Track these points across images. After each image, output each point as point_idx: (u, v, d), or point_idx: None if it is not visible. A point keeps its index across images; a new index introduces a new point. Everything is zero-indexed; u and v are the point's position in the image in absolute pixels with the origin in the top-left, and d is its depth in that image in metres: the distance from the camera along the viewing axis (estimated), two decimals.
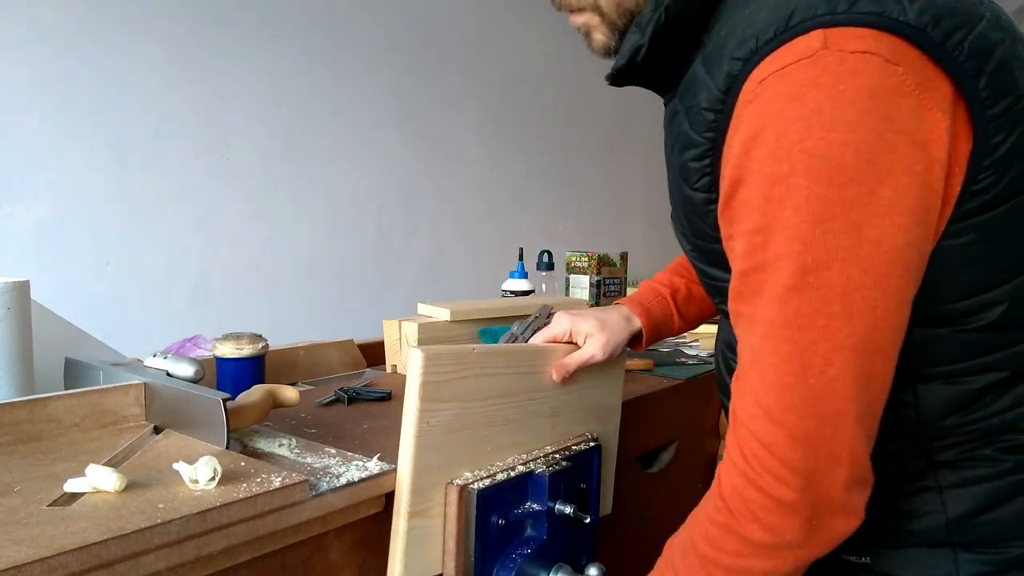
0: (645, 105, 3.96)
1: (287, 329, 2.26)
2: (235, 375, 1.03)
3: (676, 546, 0.73)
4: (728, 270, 0.66)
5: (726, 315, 0.77)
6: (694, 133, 0.64)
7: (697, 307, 1.02)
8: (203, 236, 2.19)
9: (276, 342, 1.18)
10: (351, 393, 1.08)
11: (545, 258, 1.83)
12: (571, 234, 3.39)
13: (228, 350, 1.03)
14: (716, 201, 0.64)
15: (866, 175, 0.54)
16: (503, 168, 3.13)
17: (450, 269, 2.93)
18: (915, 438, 0.67)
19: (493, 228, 3.08)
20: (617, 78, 0.73)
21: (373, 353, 1.38)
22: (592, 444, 0.94)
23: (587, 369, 0.93)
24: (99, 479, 0.63)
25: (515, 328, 1.16)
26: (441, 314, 1.25)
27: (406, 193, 2.75)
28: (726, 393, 0.83)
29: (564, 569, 0.84)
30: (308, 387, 1.18)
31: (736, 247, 0.62)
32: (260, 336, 1.07)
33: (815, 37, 0.55)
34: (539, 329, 1.15)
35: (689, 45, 0.67)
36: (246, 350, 1.04)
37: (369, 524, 0.76)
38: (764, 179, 0.57)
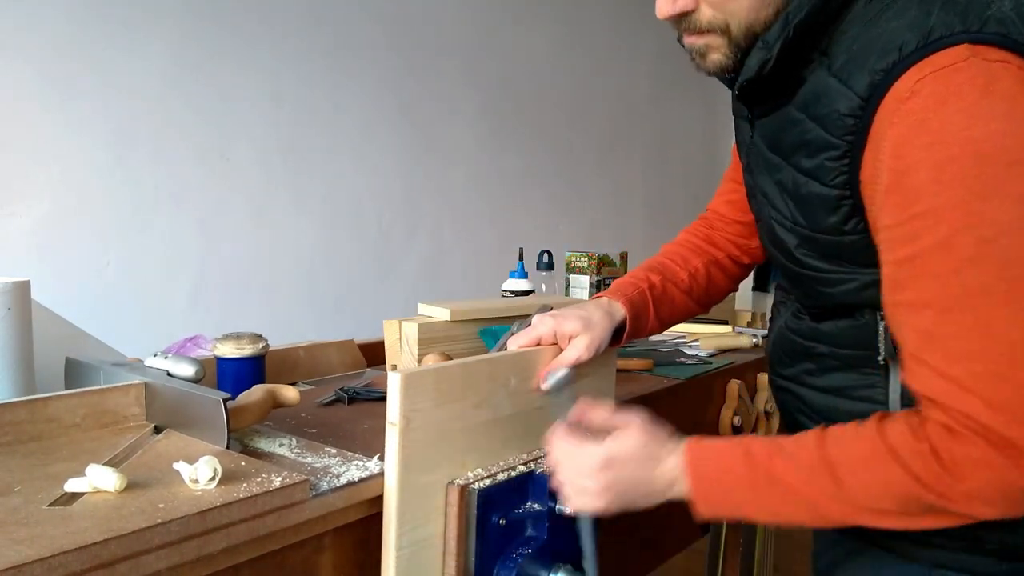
0: (645, 106, 3.97)
1: (287, 329, 2.26)
2: (235, 375, 1.03)
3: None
4: (845, 262, 0.74)
5: (801, 305, 0.85)
6: (832, 136, 0.70)
7: (669, 307, 1.03)
8: (203, 236, 2.19)
9: (276, 342, 1.18)
10: (351, 393, 1.08)
11: (545, 258, 1.83)
12: (571, 234, 3.39)
13: (228, 350, 1.03)
14: (850, 197, 0.71)
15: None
16: (503, 168, 3.13)
17: (450, 269, 2.93)
18: None
19: (493, 228, 3.08)
20: (742, 91, 0.79)
21: (373, 353, 1.38)
22: None
23: (581, 377, 0.92)
24: (99, 479, 0.64)
25: (515, 328, 1.16)
26: (441, 314, 1.25)
27: (406, 193, 2.75)
28: (778, 373, 0.90)
29: (564, 569, 0.84)
30: (308, 387, 1.18)
31: (895, 235, 0.67)
32: (260, 336, 1.07)
33: (962, 48, 0.63)
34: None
35: (800, 61, 0.74)
36: (246, 350, 1.04)
37: (369, 524, 0.76)
38: (933, 163, 0.63)
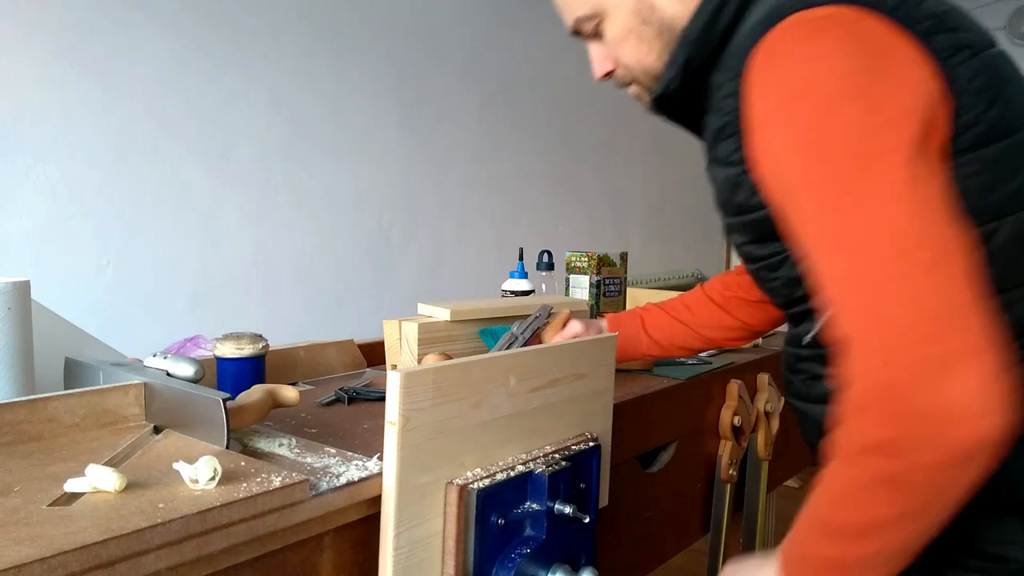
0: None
1: (287, 329, 2.26)
2: (235, 375, 1.03)
3: None
4: (772, 239, 0.78)
5: (784, 316, 0.90)
6: (725, 116, 0.76)
7: (667, 331, 1.20)
8: (203, 236, 2.19)
9: (276, 342, 1.18)
10: (351, 393, 1.08)
11: (545, 258, 1.83)
12: (571, 234, 3.39)
13: (228, 350, 1.04)
14: (747, 172, 0.75)
15: (846, 86, 0.64)
16: (503, 168, 3.13)
17: (450, 269, 2.93)
18: None
19: (493, 228, 3.08)
20: (657, 104, 0.88)
21: (373, 353, 1.38)
22: (591, 444, 0.94)
23: (579, 378, 0.94)
24: (99, 479, 0.64)
25: (515, 328, 1.16)
26: (441, 314, 1.25)
27: (406, 193, 2.75)
28: (788, 393, 0.92)
29: (563, 569, 0.84)
30: (308, 387, 1.19)
31: (766, 179, 0.72)
32: (260, 336, 1.07)
33: (792, 18, 0.69)
34: (539, 329, 1.15)
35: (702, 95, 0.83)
36: (246, 350, 1.04)
37: (369, 524, 0.76)
38: (763, 110, 0.69)
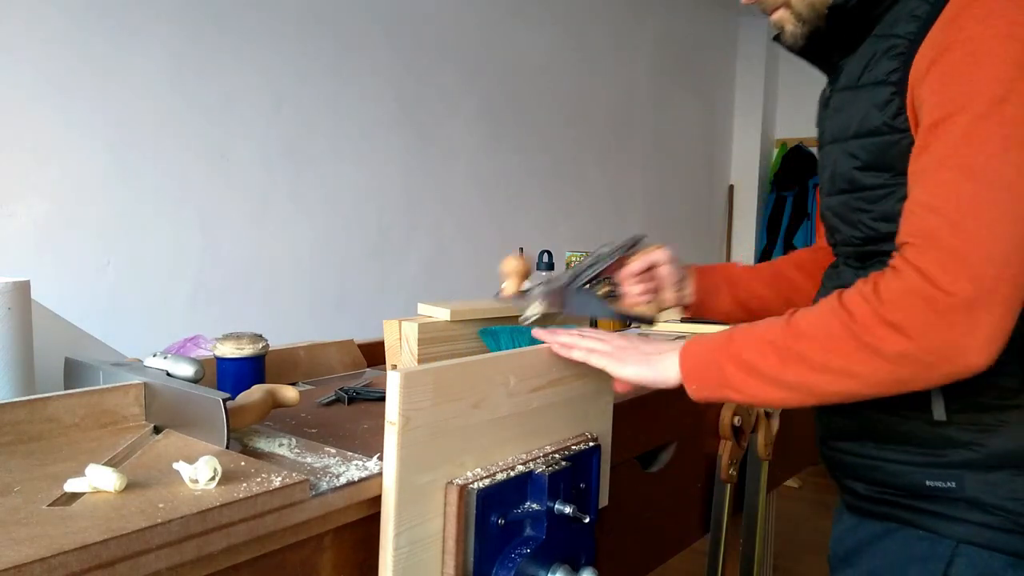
0: (645, 106, 3.97)
1: (287, 329, 2.26)
2: (235, 375, 1.03)
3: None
4: (889, 170, 0.80)
5: (854, 256, 0.90)
6: (893, 39, 0.79)
7: (746, 291, 1.13)
8: (203, 236, 2.19)
9: (276, 342, 1.18)
10: (351, 393, 1.08)
11: (545, 258, 1.83)
12: (571, 234, 3.39)
13: (228, 350, 1.03)
14: (898, 93, 0.78)
15: None
16: (503, 168, 3.13)
17: (450, 269, 2.93)
18: (1015, 351, 0.73)
19: (493, 228, 3.08)
20: (832, 12, 0.87)
21: (373, 353, 1.38)
22: (591, 444, 0.94)
23: (579, 378, 0.94)
24: (99, 479, 0.64)
25: (601, 248, 1.11)
26: (441, 314, 1.25)
27: (406, 193, 2.75)
28: None
29: (563, 569, 0.84)
30: (308, 387, 1.19)
31: (931, 103, 0.74)
32: (260, 336, 1.07)
33: None
34: (625, 255, 1.11)
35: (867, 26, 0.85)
36: (246, 350, 1.04)
37: (369, 523, 0.76)
38: (979, 37, 0.71)
